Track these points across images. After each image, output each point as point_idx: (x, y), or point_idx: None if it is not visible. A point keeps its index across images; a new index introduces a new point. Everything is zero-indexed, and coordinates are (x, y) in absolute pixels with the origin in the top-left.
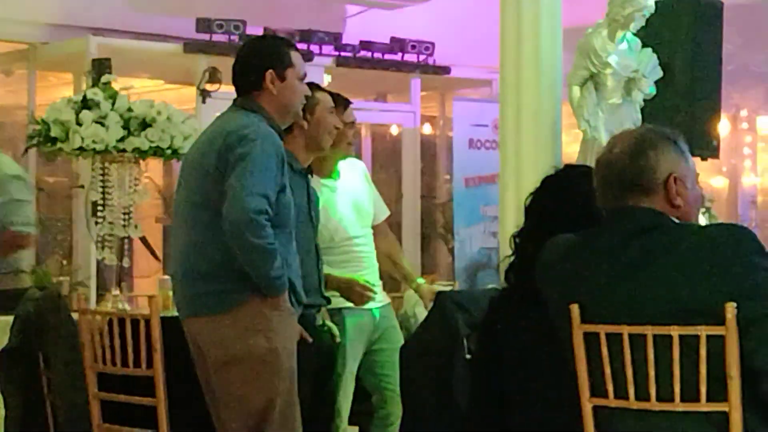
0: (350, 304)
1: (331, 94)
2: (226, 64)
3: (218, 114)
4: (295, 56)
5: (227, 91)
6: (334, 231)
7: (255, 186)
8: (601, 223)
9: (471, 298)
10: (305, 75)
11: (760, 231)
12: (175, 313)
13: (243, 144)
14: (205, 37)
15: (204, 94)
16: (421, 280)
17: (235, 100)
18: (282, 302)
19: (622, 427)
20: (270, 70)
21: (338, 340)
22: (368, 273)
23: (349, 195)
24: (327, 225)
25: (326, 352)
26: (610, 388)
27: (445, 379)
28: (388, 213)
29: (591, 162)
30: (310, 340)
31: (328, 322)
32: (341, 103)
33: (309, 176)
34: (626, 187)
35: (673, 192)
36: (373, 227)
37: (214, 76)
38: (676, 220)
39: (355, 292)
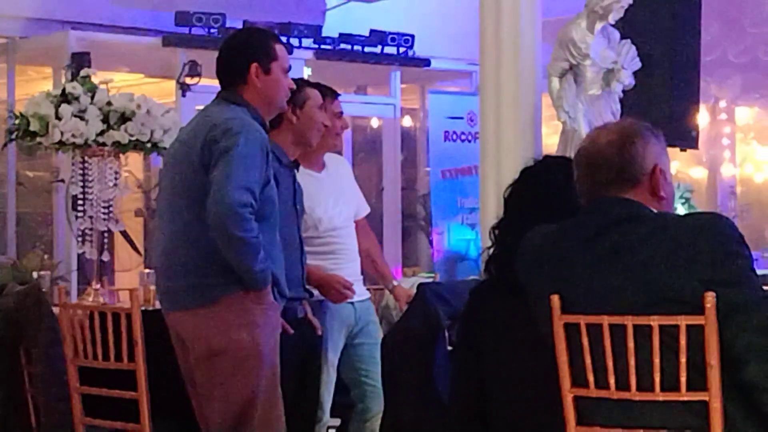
0: None
1: (319, 85)
2: (205, 58)
3: (198, 107)
4: (279, 49)
5: (207, 84)
6: (318, 221)
7: (239, 179)
8: (580, 213)
9: (452, 289)
10: (290, 68)
11: (739, 221)
12: (157, 307)
13: (227, 137)
14: (185, 30)
15: (183, 88)
16: (396, 282)
17: (219, 93)
18: (265, 296)
19: (603, 417)
20: (254, 63)
21: (320, 333)
22: (350, 265)
23: (332, 187)
24: (311, 215)
25: (309, 345)
26: (591, 378)
27: (426, 369)
28: (368, 210)
29: (570, 153)
30: (291, 331)
31: (310, 315)
32: (329, 94)
33: (296, 170)
34: (612, 178)
35: (659, 183)
36: (354, 223)
37: (193, 69)
38: (655, 211)
39: (334, 290)
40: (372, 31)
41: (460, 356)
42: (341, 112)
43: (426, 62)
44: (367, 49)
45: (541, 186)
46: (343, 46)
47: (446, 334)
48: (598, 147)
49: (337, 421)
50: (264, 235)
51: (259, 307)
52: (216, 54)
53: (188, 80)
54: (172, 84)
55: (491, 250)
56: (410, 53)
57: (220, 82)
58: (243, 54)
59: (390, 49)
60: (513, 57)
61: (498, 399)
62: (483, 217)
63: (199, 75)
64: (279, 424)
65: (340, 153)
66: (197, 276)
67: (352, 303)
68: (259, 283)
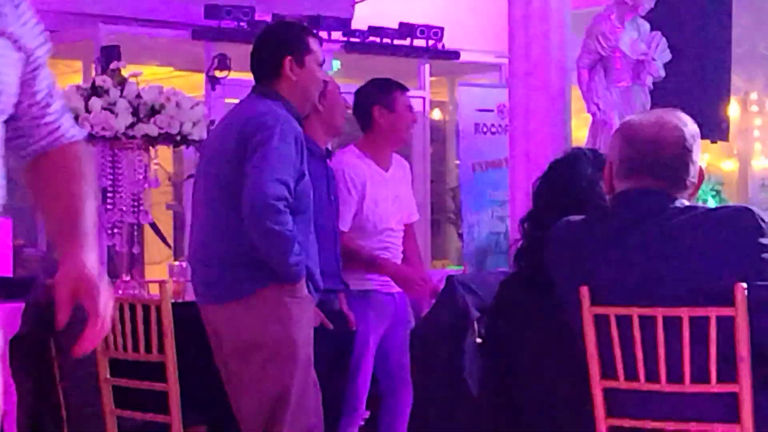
0: (376, 287)
1: (388, 80)
2: (235, 51)
3: (228, 101)
4: (313, 42)
5: (236, 77)
6: (379, 219)
7: (274, 172)
8: (610, 204)
9: (481, 281)
10: (323, 61)
11: None
12: (186, 300)
13: (262, 130)
14: (214, 23)
15: (213, 81)
16: None
17: (253, 87)
18: (299, 289)
19: (633, 408)
20: (289, 57)
21: (354, 327)
22: (396, 261)
23: (394, 188)
24: (375, 210)
25: (342, 338)
26: (621, 369)
27: (455, 362)
28: (417, 217)
29: (600, 145)
30: (331, 326)
31: (346, 309)
32: (399, 88)
33: (327, 159)
34: (666, 176)
35: (700, 185)
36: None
37: (223, 62)
38: (686, 202)
39: (417, 286)
40: (401, 24)
41: (489, 349)
42: (411, 106)
43: (455, 55)
44: (396, 42)
45: (570, 178)
46: (372, 39)
47: (475, 326)
48: (663, 141)
49: (366, 413)
50: (299, 228)
51: (293, 300)
52: (245, 47)
53: (217, 73)
54: (201, 77)
55: (520, 243)
56: (439, 46)
57: (255, 77)
58: (277, 48)
59: (419, 42)
60: (542, 49)
61: (527, 391)
62: (512, 209)
63: (228, 68)
64: (313, 415)
65: None
66: (232, 269)
67: (393, 295)
68: (293, 276)
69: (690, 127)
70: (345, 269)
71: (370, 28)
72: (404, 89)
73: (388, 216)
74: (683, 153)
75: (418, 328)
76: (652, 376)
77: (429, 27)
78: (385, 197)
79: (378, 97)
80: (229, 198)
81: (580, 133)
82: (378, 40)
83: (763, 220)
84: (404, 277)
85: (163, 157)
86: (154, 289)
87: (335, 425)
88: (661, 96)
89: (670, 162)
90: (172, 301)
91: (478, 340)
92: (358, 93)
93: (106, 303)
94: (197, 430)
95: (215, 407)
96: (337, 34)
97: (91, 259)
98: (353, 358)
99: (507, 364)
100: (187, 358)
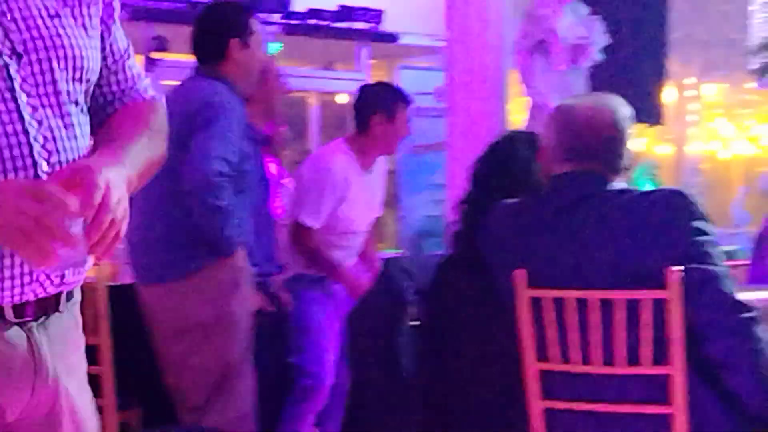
0: None
1: (395, 89)
2: (173, 32)
3: (165, 82)
4: (254, 23)
5: (174, 59)
6: (350, 222)
7: (216, 150)
8: (545, 188)
9: (417, 264)
10: (265, 41)
11: (706, 198)
12: (121, 282)
13: (207, 110)
14: (153, 4)
15: (150, 63)
16: None
17: (197, 68)
18: (237, 263)
19: (566, 390)
20: (234, 39)
21: (290, 308)
22: (351, 260)
23: (370, 192)
24: (349, 214)
25: (278, 320)
26: (555, 352)
27: (390, 344)
28: (381, 212)
29: (539, 129)
30: (274, 309)
31: (280, 291)
32: (403, 100)
33: (264, 143)
34: (600, 159)
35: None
36: None
37: (160, 44)
38: (621, 185)
39: (354, 293)
40: (340, 7)
41: (424, 331)
42: (409, 120)
43: (394, 38)
44: (335, 25)
45: (507, 161)
46: (311, 21)
47: (411, 309)
48: (595, 126)
49: None
50: (238, 208)
51: (232, 276)
52: (184, 28)
53: (155, 55)
54: (138, 59)
55: (457, 225)
56: (379, 29)
57: (198, 58)
58: (222, 30)
59: (358, 25)
60: (480, 32)
61: (461, 373)
62: (449, 192)
63: (166, 50)
64: (243, 401)
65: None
66: (172, 249)
67: None
68: (228, 247)
69: (623, 110)
70: (301, 260)
71: (309, 10)
72: (409, 102)
73: (359, 220)
74: (617, 136)
75: (355, 310)
76: (586, 358)
77: (368, 10)
78: (361, 200)
79: (381, 103)
80: (168, 177)
81: (517, 117)
82: (317, 22)
83: (694, 204)
84: (349, 283)
85: None
86: (89, 272)
87: (274, 409)
88: (598, 80)
89: (604, 145)
90: (108, 283)
91: (414, 323)
92: (363, 91)
93: (119, 200)
94: (131, 413)
95: (150, 390)
96: (276, 17)
97: (118, 171)
98: (314, 349)
99: (442, 346)
100: (122, 341)
